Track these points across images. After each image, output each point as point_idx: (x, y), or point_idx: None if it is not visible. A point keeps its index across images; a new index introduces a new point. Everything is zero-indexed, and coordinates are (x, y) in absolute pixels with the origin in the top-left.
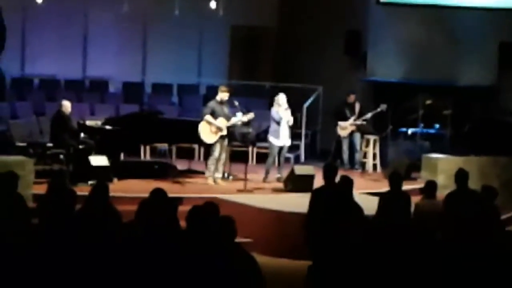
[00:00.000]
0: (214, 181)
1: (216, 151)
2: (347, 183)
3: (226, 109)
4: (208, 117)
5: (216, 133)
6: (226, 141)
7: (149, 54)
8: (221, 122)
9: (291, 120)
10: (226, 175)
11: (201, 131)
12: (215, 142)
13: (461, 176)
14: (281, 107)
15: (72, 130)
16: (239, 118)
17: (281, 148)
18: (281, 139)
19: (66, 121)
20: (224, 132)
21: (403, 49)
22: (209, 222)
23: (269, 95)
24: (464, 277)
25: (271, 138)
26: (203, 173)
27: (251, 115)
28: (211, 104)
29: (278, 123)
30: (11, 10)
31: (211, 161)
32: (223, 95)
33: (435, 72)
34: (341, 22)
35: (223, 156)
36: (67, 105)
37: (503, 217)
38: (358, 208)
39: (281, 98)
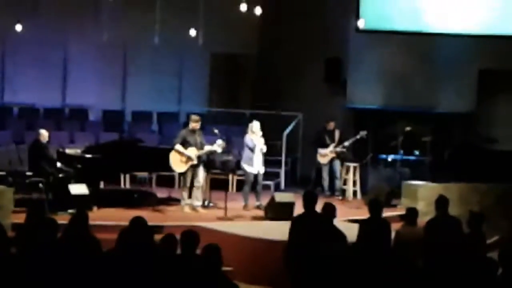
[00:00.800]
0: (194, 209)
1: (187, 180)
2: (330, 210)
3: (198, 138)
4: (178, 147)
5: (186, 162)
6: (199, 170)
7: (129, 82)
8: (192, 151)
9: (264, 147)
10: (206, 202)
11: (171, 160)
12: (186, 171)
13: (441, 202)
14: (255, 135)
15: (50, 159)
16: (210, 147)
17: (256, 176)
18: (255, 166)
19: (43, 150)
20: (195, 161)
21: (383, 76)
22: (189, 251)
23: (249, 123)
24: None
25: (245, 166)
26: None
27: (220, 144)
28: (182, 133)
29: (252, 150)
30: None
31: (184, 189)
32: (194, 125)
33: (414, 99)
34: (321, 50)
35: (199, 184)
36: (44, 134)
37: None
38: (341, 235)
39: (255, 126)
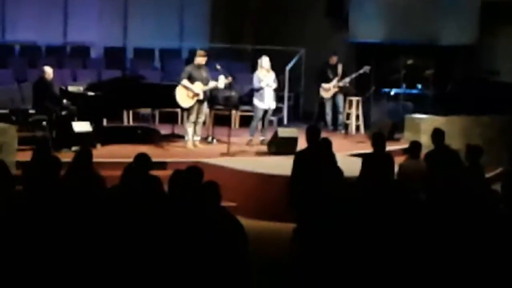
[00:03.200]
0: (194, 144)
1: (193, 115)
2: (326, 144)
3: (204, 73)
4: (184, 82)
5: (192, 97)
6: (204, 105)
7: (130, 19)
8: (198, 86)
9: (273, 83)
10: (209, 138)
11: (177, 95)
12: (192, 106)
13: (437, 135)
14: (264, 70)
15: (54, 96)
16: (215, 83)
17: (265, 111)
18: (265, 102)
19: (48, 87)
20: (201, 97)
21: (385, 10)
22: (193, 186)
23: (251, 58)
24: (449, 237)
25: (255, 101)
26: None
27: (226, 80)
28: (189, 68)
29: (257, 90)
30: None
31: (188, 125)
32: (200, 60)
33: (417, 32)
34: None
35: (201, 119)
36: (49, 72)
37: (487, 175)
38: (338, 171)
39: (264, 61)
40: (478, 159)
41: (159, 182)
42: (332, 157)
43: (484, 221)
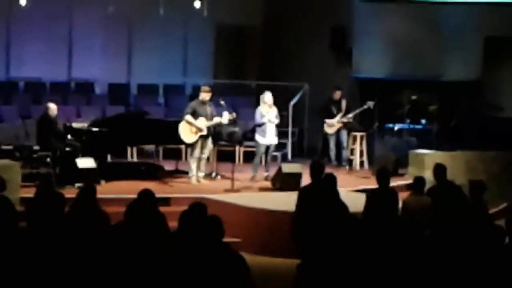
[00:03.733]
0: (198, 180)
1: (197, 151)
2: (331, 180)
3: (208, 109)
4: (188, 117)
5: (196, 133)
6: (208, 141)
7: (134, 55)
8: (201, 122)
9: (275, 119)
10: (213, 174)
11: (181, 131)
12: (195, 142)
13: (439, 170)
14: (266, 105)
15: (58, 133)
16: (220, 119)
17: (267, 147)
18: (267, 137)
19: (52, 124)
20: (205, 132)
21: (388, 45)
22: (197, 223)
23: (255, 94)
24: (454, 272)
25: (257, 137)
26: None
27: (230, 116)
28: (193, 104)
29: (259, 125)
30: None
31: (192, 161)
32: (204, 95)
33: (420, 67)
34: (326, 19)
35: (205, 155)
36: (53, 108)
37: (491, 211)
38: (343, 206)
39: (267, 96)
40: (481, 195)
41: (163, 219)
42: (336, 193)
43: (489, 257)
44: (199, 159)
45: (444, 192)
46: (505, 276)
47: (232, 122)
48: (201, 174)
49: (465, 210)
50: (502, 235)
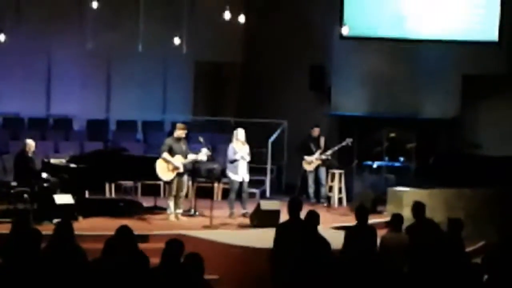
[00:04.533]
0: (176, 217)
1: (173, 189)
2: (314, 217)
3: (183, 146)
4: (165, 155)
5: (173, 171)
6: (184, 178)
7: (113, 91)
8: (178, 160)
9: (247, 156)
10: (192, 211)
11: (158, 168)
12: (172, 180)
13: (417, 208)
14: (239, 142)
15: (34, 171)
16: (195, 156)
17: (241, 183)
18: (239, 174)
19: (29, 161)
20: (181, 170)
21: (367, 83)
22: (173, 259)
23: (234, 131)
24: None
25: (230, 174)
26: None
27: (206, 153)
28: (168, 141)
29: (232, 162)
30: None
31: (170, 199)
32: (180, 132)
33: (399, 105)
34: (305, 57)
35: (183, 192)
36: (31, 144)
37: (469, 249)
38: (324, 243)
39: (240, 133)
40: (459, 232)
41: (146, 260)
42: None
43: None
44: (178, 197)
45: (422, 229)
46: None
47: (210, 159)
48: (179, 211)
49: (442, 248)
50: (479, 272)
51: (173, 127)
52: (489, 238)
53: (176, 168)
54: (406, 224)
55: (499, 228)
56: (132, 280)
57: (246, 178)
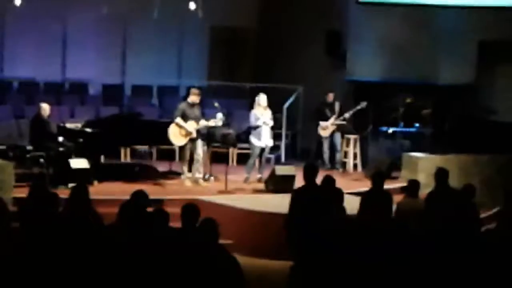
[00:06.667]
0: (195, 182)
1: (187, 154)
2: (330, 182)
3: (197, 111)
4: (178, 120)
5: (185, 136)
6: (198, 143)
7: (128, 56)
8: (191, 125)
9: (270, 121)
10: (207, 176)
11: (170, 133)
12: (185, 145)
13: (440, 174)
14: (261, 108)
15: (51, 134)
16: (210, 121)
17: (262, 149)
18: (262, 140)
19: (45, 124)
20: (194, 135)
21: (383, 48)
22: (189, 224)
23: (249, 96)
24: (444, 274)
25: (252, 139)
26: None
27: (221, 118)
28: (182, 106)
29: (253, 128)
30: None
31: (184, 164)
32: (194, 98)
33: (415, 71)
34: (321, 22)
35: (200, 157)
36: (45, 108)
37: (484, 214)
38: (341, 209)
39: (262, 99)
40: (472, 198)
41: (166, 217)
42: (339, 195)
43: (478, 260)
44: (191, 162)
45: (443, 197)
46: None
47: (225, 124)
48: (199, 176)
49: (457, 215)
50: (490, 239)
51: (188, 92)
52: (503, 204)
53: (189, 133)
54: (422, 189)
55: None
56: (146, 244)
57: (270, 143)
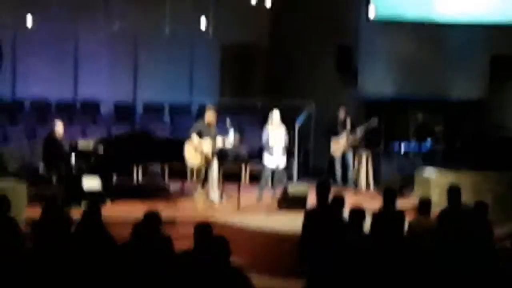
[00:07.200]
0: (212, 201)
1: (202, 173)
2: (339, 202)
3: (213, 131)
4: (193, 136)
5: (201, 155)
6: (214, 163)
7: (140, 74)
8: (206, 145)
9: (282, 138)
10: (219, 195)
11: (186, 152)
12: (200, 164)
13: (453, 192)
14: (272, 125)
15: (63, 154)
16: (224, 142)
17: (274, 170)
18: (273, 160)
19: (58, 144)
20: (209, 154)
21: (394, 65)
22: (201, 244)
23: (261, 112)
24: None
25: (264, 159)
26: None
27: (231, 140)
28: (198, 124)
29: (264, 147)
30: (1, 33)
31: (198, 182)
32: (210, 114)
33: (426, 87)
34: (332, 39)
35: (214, 176)
36: (59, 126)
37: (497, 232)
38: (358, 228)
39: (274, 116)
40: (485, 216)
41: (169, 242)
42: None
43: (492, 278)
44: (205, 180)
45: (455, 215)
46: None
47: (238, 143)
48: (215, 196)
49: (470, 233)
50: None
51: (200, 110)
52: None
53: (204, 153)
54: (434, 207)
55: None
56: (159, 264)
57: (281, 164)
